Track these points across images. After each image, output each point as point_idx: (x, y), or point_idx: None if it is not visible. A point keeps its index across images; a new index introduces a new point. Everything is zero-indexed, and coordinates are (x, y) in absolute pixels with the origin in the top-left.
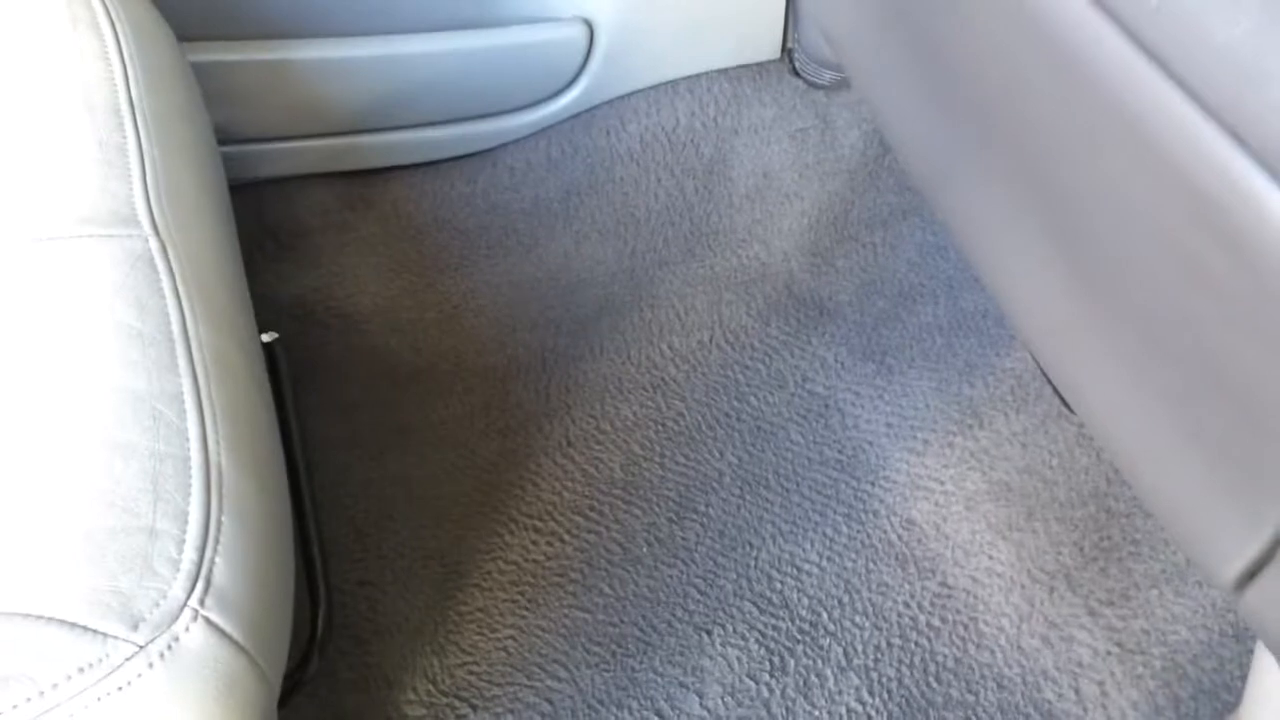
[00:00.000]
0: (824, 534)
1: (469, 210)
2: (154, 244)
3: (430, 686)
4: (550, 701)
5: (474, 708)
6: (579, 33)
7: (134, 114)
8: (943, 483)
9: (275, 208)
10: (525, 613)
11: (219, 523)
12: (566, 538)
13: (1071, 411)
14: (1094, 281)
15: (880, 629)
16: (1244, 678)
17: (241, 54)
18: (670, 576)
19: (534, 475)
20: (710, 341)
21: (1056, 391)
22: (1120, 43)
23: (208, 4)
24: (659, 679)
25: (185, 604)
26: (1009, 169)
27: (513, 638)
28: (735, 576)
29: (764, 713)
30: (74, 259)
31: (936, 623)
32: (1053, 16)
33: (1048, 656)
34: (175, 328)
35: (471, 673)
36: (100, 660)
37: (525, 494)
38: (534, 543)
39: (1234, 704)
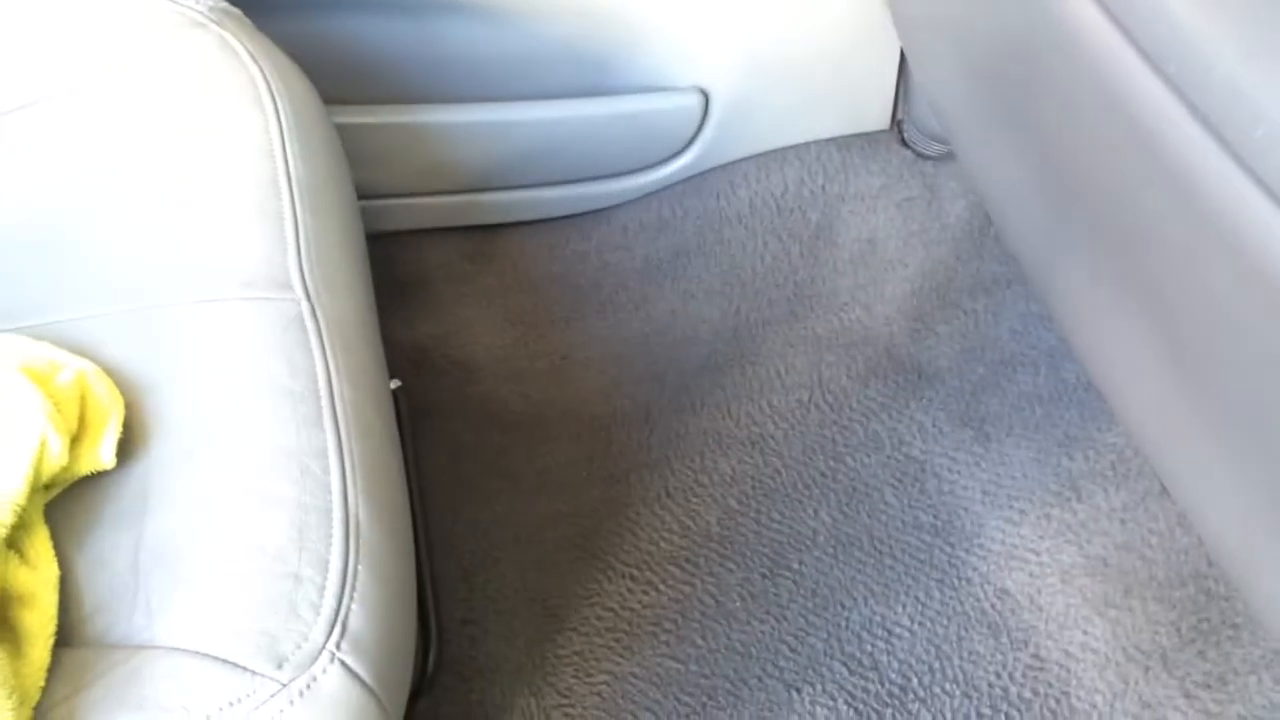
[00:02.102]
0: (916, 598)
1: (582, 266)
2: (305, 306)
3: None
4: None
5: None
6: (695, 101)
7: (290, 183)
8: (1038, 554)
9: (400, 259)
10: (620, 659)
11: (355, 571)
12: (662, 587)
13: None
14: (1192, 377)
15: (970, 698)
16: None
17: (378, 117)
18: (762, 632)
19: (633, 524)
20: (809, 401)
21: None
22: (1227, 165)
23: (350, 71)
24: None
25: (324, 646)
26: (1109, 263)
27: (607, 683)
28: (826, 636)
29: None
30: (234, 320)
31: (1028, 695)
32: (1161, 132)
33: None
34: (321, 386)
35: (567, 715)
36: (248, 695)
37: (624, 542)
38: (630, 591)
39: None
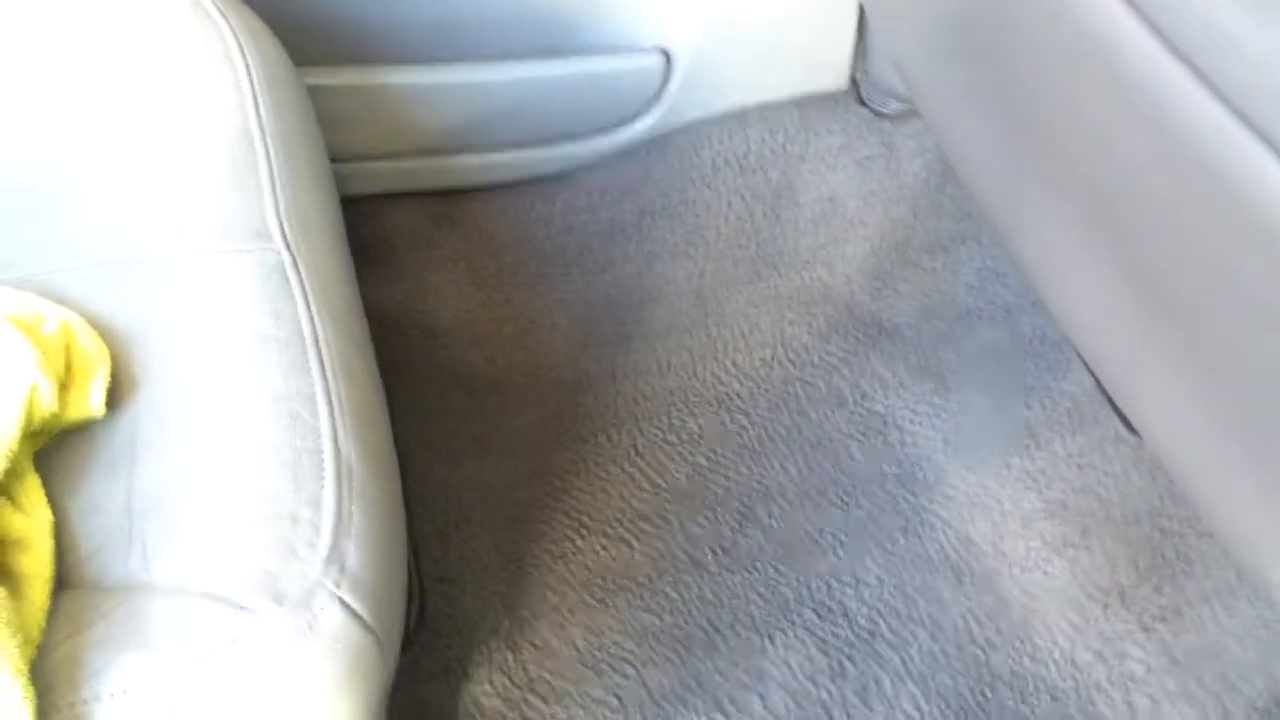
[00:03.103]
0: (883, 546)
1: (547, 230)
2: (285, 256)
3: (506, 680)
4: (618, 697)
5: (546, 701)
6: (657, 62)
7: (263, 136)
8: (999, 500)
9: (365, 223)
10: (595, 613)
11: (350, 512)
12: (634, 543)
13: (1131, 432)
14: (1161, 308)
15: (937, 639)
16: None
17: (342, 78)
18: (734, 583)
19: (604, 483)
20: (773, 359)
21: (1117, 412)
22: (1208, 101)
23: (315, 31)
24: (722, 680)
25: (323, 585)
26: (1078, 199)
27: (583, 636)
28: (796, 585)
29: (823, 715)
30: (216, 271)
31: (992, 636)
32: (1129, 63)
33: (1101, 670)
34: (306, 333)
35: (544, 668)
36: (250, 633)
37: (595, 500)
38: (603, 547)
39: None
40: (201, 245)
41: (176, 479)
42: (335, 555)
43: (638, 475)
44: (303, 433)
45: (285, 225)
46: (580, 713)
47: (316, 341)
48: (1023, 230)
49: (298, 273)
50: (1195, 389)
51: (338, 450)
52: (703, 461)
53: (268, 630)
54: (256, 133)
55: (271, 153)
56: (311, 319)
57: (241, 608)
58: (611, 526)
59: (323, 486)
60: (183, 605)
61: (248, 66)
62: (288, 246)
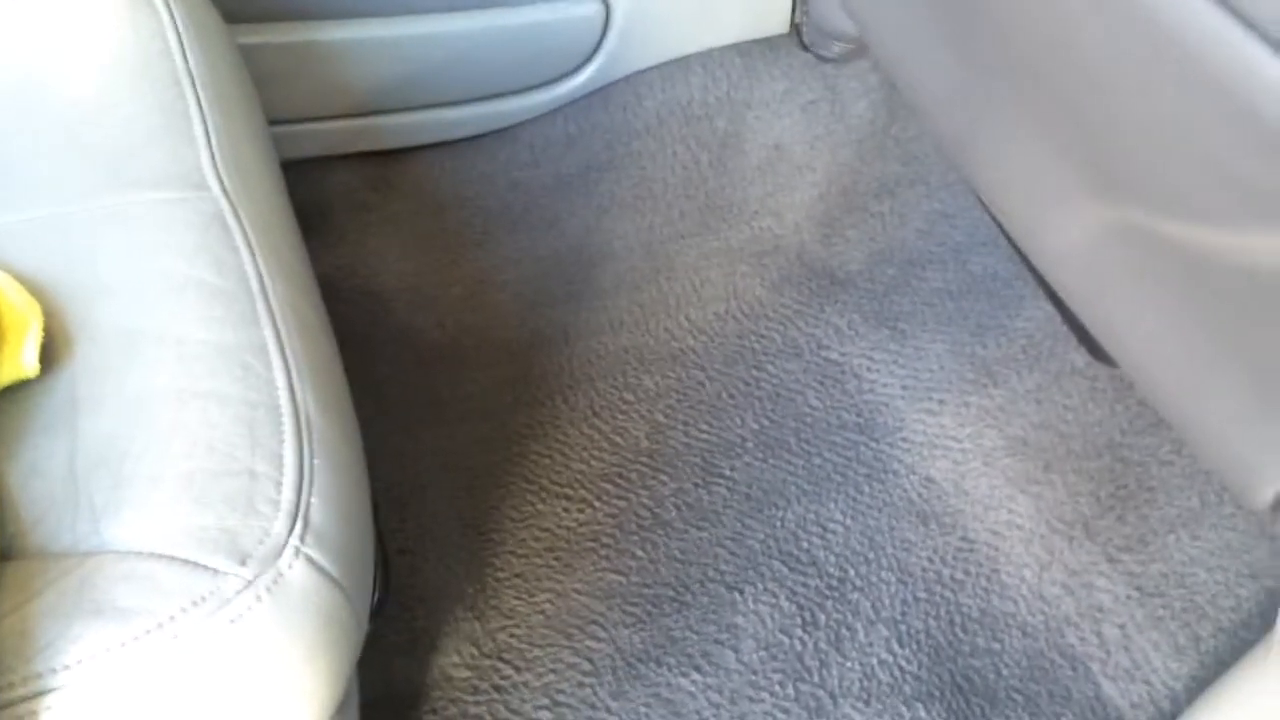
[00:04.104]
0: (846, 494)
1: (490, 187)
2: (224, 205)
3: (474, 649)
4: (590, 661)
5: (516, 669)
6: (595, 10)
7: (193, 86)
8: (960, 441)
9: (301, 188)
10: (561, 577)
11: (312, 466)
12: (597, 504)
13: (1099, 360)
14: (1137, 209)
15: (906, 583)
16: (1262, 615)
17: (273, 35)
18: (700, 539)
19: (562, 445)
20: (726, 313)
21: (1084, 341)
22: None
23: None
24: (695, 636)
25: (287, 541)
26: (1043, 102)
27: (550, 601)
28: (763, 537)
29: (798, 665)
30: (152, 222)
31: (960, 575)
32: None
33: (1069, 603)
34: (253, 283)
35: (512, 635)
36: (213, 593)
37: (554, 463)
38: (565, 510)
39: (1253, 641)
40: (133, 196)
41: (122, 437)
42: (299, 511)
43: (596, 436)
44: (256, 385)
45: (223, 174)
46: (553, 678)
47: (264, 291)
48: (984, 150)
49: (239, 221)
50: (1180, 301)
51: (295, 403)
52: (661, 419)
53: (231, 589)
54: (186, 82)
55: (204, 103)
56: (257, 268)
57: (202, 567)
58: (573, 488)
59: (282, 441)
60: (139, 567)
61: (174, 19)
62: (226, 196)
